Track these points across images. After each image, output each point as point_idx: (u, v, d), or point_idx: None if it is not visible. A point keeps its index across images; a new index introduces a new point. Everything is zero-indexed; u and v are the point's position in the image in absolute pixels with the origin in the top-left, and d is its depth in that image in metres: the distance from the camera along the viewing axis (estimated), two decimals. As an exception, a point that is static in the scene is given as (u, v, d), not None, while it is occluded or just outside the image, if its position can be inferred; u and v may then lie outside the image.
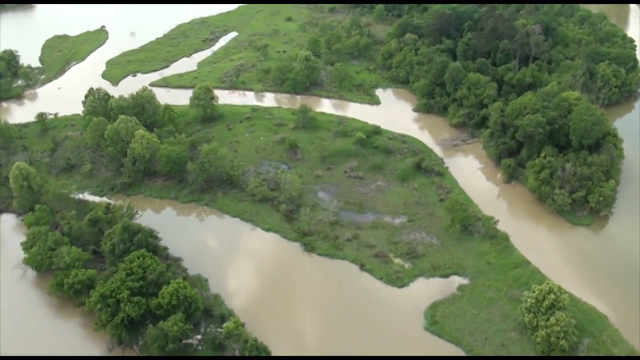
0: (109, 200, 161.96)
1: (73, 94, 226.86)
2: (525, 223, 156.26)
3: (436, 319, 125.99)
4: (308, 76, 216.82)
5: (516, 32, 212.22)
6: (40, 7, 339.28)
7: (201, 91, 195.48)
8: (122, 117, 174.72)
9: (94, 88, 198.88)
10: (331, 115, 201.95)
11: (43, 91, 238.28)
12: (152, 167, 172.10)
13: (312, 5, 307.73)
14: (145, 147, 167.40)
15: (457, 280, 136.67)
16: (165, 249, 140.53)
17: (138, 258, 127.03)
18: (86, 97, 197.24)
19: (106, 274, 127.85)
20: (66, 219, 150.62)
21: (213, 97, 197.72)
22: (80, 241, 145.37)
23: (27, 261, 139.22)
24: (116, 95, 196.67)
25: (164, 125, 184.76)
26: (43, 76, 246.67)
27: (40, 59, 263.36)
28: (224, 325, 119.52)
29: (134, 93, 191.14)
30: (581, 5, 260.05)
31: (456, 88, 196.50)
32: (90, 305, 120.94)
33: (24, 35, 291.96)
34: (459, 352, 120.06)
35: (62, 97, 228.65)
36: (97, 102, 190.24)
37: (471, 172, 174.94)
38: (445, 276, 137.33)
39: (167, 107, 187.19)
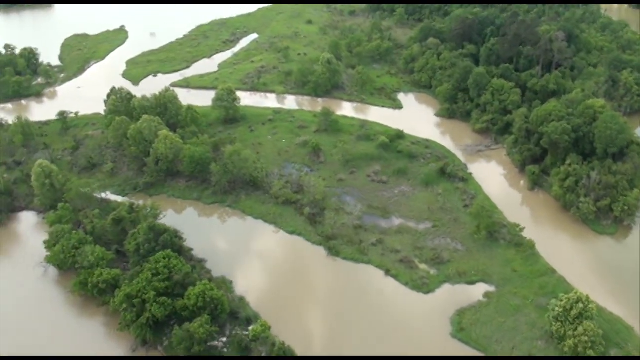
0: (131, 200, 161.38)
1: (93, 93, 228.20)
2: (550, 231, 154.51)
3: (463, 326, 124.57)
4: (330, 79, 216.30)
5: (539, 39, 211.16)
6: (58, 7, 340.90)
7: (224, 92, 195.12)
8: (145, 117, 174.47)
9: (116, 87, 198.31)
10: (353, 118, 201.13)
11: (63, 90, 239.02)
12: (175, 168, 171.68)
13: (332, 9, 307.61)
14: (169, 148, 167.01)
15: (483, 288, 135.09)
16: (190, 250, 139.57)
17: (164, 258, 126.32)
18: (108, 96, 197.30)
19: (131, 273, 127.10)
20: (89, 217, 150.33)
21: (235, 99, 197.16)
22: (102, 240, 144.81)
23: (49, 259, 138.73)
24: (137, 95, 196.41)
25: (187, 125, 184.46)
26: (63, 75, 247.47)
27: (60, 58, 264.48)
28: (251, 328, 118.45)
29: (157, 93, 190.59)
30: (602, 12, 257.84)
31: (480, 93, 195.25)
32: (115, 305, 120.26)
33: (43, 34, 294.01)
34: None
35: (82, 96, 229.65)
36: (119, 101, 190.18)
37: (495, 179, 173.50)
38: (471, 283, 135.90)
39: (190, 108, 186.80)
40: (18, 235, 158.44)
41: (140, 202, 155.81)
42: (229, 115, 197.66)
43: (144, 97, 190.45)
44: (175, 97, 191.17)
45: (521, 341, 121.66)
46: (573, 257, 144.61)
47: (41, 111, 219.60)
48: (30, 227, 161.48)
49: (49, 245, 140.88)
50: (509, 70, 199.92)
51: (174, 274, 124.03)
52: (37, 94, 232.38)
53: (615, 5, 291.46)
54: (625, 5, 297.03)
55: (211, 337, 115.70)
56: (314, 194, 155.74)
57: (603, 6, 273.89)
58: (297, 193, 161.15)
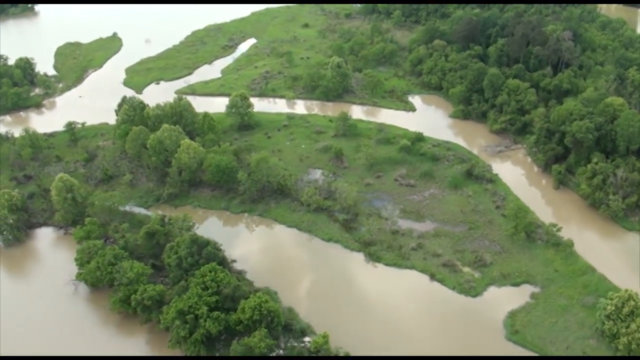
0: (156, 212, 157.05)
1: (95, 102, 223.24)
2: (581, 229, 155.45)
3: (516, 328, 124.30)
4: (340, 83, 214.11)
5: (546, 38, 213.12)
6: (43, 14, 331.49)
7: (238, 99, 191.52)
8: (165, 126, 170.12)
9: (127, 96, 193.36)
10: (370, 122, 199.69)
11: (63, 100, 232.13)
12: (198, 177, 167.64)
13: (326, 12, 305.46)
14: (192, 157, 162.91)
15: (528, 289, 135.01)
16: (233, 261, 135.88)
17: (210, 272, 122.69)
18: (119, 105, 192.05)
19: (177, 289, 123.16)
20: (120, 232, 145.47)
21: (250, 105, 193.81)
22: (134, 255, 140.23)
23: (84, 277, 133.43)
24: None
25: (203, 133, 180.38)
26: (61, 84, 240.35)
27: (55, 67, 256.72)
28: (309, 339, 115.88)
29: (172, 101, 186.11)
30: (600, 11, 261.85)
31: (495, 94, 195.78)
32: (167, 321, 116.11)
33: (31, 43, 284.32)
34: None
35: (84, 105, 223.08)
36: (131, 110, 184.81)
37: (519, 179, 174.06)
38: (516, 285, 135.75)
39: (207, 115, 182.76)
40: (39, 253, 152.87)
41: (167, 214, 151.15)
42: (244, 122, 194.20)
43: (158, 106, 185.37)
44: (190, 105, 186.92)
45: (574, 341, 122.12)
46: (608, 254, 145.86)
47: (42, 122, 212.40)
48: (50, 243, 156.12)
49: (81, 262, 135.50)
50: (522, 70, 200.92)
51: (223, 288, 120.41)
52: (37, 105, 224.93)
53: (613, 5, 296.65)
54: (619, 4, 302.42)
55: (270, 351, 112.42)
56: (346, 200, 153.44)
57: (598, 5, 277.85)
58: (327, 199, 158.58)
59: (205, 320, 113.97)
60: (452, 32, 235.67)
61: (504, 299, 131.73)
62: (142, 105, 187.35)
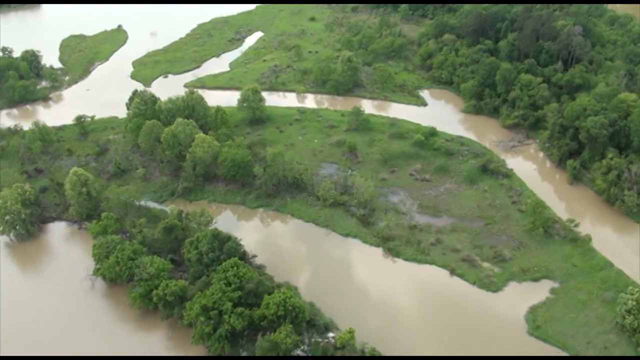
0: (170, 207, 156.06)
1: (103, 95, 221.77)
2: (597, 225, 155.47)
3: (538, 323, 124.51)
4: (351, 77, 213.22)
5: (556, 33, 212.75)
6: (46, 6, 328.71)
7: (250, 93, 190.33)
8: (179, 120, 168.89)
9: (138, 90, 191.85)
10: (382, 116, 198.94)
11: (70, 93, 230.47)
12: (212, 172, 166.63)
13: (333, 5, 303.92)
14: (206, 151, 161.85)
15: (547, 284, 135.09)
16: (254, 256, 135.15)
17: (232, 267, 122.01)
18: (131, 99, 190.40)
19: (199, 284, 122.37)
20: (137, 227, 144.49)
21: (261, 99, 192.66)
22: (151, 250, 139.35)
23: (103, 272, 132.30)
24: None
25: (216, 127, 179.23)
26: (68, 77, 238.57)
27: (61, 59, 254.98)
28: (332, 335, 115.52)
29: (183, 94, 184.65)
30: (607, 6, 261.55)
31: (507, 89, 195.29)
32: (191, 317, 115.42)
33: (34, 35, 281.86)
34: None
35: (92, 98, 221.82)
36: (143, 104, 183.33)
37: (533, 174, 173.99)
38: (536, 280, 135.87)
39: (219, 109, 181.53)
40: (54, 248, 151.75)
41: (183, 209, 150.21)
42: (255, 116, 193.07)
43: (170, 99, 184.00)
44: (202, 99, 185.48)
45: (594, 336, 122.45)
46: (624, 249, 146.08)
47: (50, 116, 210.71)
48: (64, 238, 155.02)
49: (99, 257, 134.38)
50: (534, 65, 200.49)
51: (245, 283, 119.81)
52: (44, 98, 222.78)
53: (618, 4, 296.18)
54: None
55: (295, 346, 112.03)
56: (363, 195, 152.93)
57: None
58: (343, 194, 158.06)
59: (229, 316, 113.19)
60: (461, 26, 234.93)
61: (525, 294, 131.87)
62: (154, 99, 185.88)
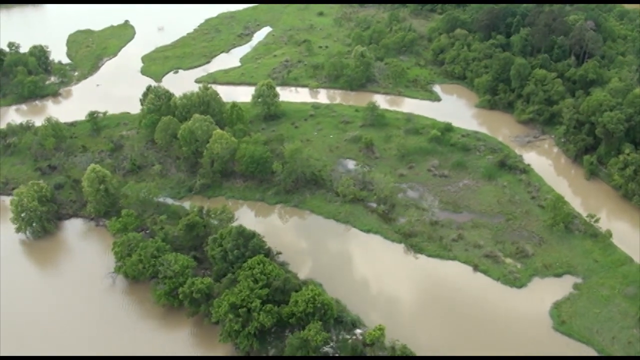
0: (182, 203, 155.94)
1: (114, 91, 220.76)
2: (615, 220, 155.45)
3: (563, 318, 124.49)
4: (364, 72, 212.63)
5: (568, 28, 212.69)
6: (49, 4, 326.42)
7: (265, 88, 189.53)
8: (196, 116, 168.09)
9: (152, 86, 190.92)
10: (397, 112, 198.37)
11: (79, 88, 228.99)
12: (230, 168, 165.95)
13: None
14: (224, 147, 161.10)
15: (570, 279, 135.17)
16: (279, 253, 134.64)
17: (258, 264, 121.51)
18: (144, 95, 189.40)
19: (225, 282, 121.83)
20: (158, 224, 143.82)
21: (276, 95, 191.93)
22: (172, 247, 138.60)
23: (125, 270, 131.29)
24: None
25: (232, 123, 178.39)
26: (77, 73, 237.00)
27: (68, 55, 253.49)
28: (360, 331, 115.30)
29: (197, 90, 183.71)
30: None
31: (522, 84, 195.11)
32: (219, 315, 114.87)
33: (39, 31, 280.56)
34: (590, 352, 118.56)
35: (103, 94, 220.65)
36: (158, 100, 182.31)
37: (550, 169, 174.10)
38: (559, 275, 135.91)
39: (235, 105, 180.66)
40: (71, 245, 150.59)
41: (202, 205, 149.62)
42: (270, 111, 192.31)
43: (185, 95, 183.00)
44: (217, 94, 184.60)
45: (618, 331, 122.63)
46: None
47: (61, 112, 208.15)
48: (82, 235, 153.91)
49: (121, 255, 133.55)
50: (548, 60, 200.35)
51: (272, 280, 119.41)
52: (54, 94, 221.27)
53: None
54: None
55: (325, 344, 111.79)
56: (383, 191, 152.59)
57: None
58: (362, 190, 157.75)
59: (258, 314, 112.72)
60: (472, 21, 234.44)
61: (548, 290, 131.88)
62: (169, 95, 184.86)
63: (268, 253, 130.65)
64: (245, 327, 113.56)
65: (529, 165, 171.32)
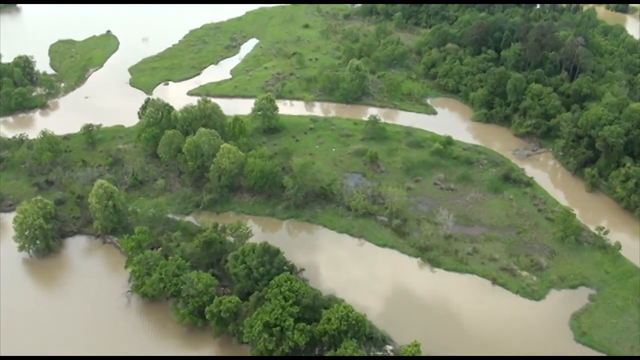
0: (190, 219, 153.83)
1: (103, 103, 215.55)
2: (619, 231, 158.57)
3: (583, 330, 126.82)
4: (359, 85, 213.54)
5: (558, 43, 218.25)
6: (26, 10, 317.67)
7: (265, 101, 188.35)
8: (202, 130, 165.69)
9: (151, 98, 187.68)
10: (396, 125, 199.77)
11: (67, 100, 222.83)
12: (237, 182, 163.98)
13: (324, 12, 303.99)
14: (232, 162, 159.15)
15: (585, 291, 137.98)
16: (302, 269, 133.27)
17: (286, 282, 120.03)
18: (143, 107, 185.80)
19: (253, 300, 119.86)
20: (173, 241, 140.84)
21: (276, 108, 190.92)
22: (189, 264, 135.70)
23: (146, 289, 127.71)
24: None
25: (235, 137, 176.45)
26: (63, 84, 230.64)
27: (52, 65, 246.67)
28: (403, 348, 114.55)
29: (199, 104, 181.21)
30: (601, 16, 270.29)
31: (518, 98, 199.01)
32: (252, 334, 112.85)
33: (18, 40, 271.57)
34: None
35: (92, 106, 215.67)
36: (158, 113, 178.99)
37: (551, 182, 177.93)
38: (574, 287, 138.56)
39: (237, 119, 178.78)
40: (78, 263, 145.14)
41: (216, 222, 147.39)
42: (270, 124, 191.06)
43: (186, 108, 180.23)
44: (218, 107, 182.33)
45: (635, 340, 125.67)
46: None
47: (49, 124, 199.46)
48: (87, 253, 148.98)
49: (139, 273, 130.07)
50: (542, 75, 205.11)
51: (301, 298, 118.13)
52: (42, 106, 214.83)
53: (601, 10, 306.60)
54: (603, 7, 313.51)
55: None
56: (395, 205, 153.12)
57: (584, 7, 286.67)
58: (373, 204, 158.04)
59: (292, 332, 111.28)
60: (462, 36, 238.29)
61: (565, 302, 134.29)
62: (168, 108, 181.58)
63: (291, 269, 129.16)
64: (278, 346, 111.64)
65: (531, 178, 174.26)
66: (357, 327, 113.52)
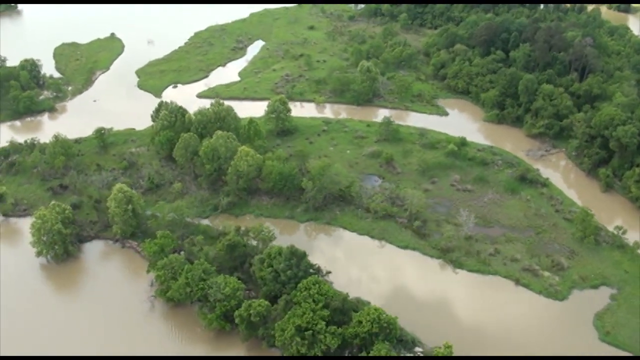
0: (209, 222, 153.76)
1: (112, 106, 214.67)
2: (636, 231, 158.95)
3: (607, 329, 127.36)
4: (370, 87, 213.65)
5: (567, 44, 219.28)
6: (27, 13, 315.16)
7: (278, 103, 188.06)
8: (219, 132, 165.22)
9: (164, 101, 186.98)
10: (409, 127, 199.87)
11: (75, 103, 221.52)
12: (254, 185, 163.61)
13: (328, 14, 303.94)
14: (250, 165, 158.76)
15: (606, 291, 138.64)
16: (328, 272, 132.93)
17: (314, 285, 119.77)
18: (157, 111, 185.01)
19: (282, 304, 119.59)
20: (196, 245, 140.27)
21: (289, 110, 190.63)
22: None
23: (172, 294, 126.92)
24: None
25: (250, 139, 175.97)
26: (70, 87, 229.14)
27: (58, 68, 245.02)
28: (435, 350, 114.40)
29: (213, 106, 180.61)
30: (603, 16, 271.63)
31: (530, 99, 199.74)
32: (285, 338, 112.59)
33: (20, 43, 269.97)
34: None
35: (100, 109, 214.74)
36: (172, 116, 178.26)
37: (565, 182, 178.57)
38: (595, 287, 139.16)
39: (252, 121, 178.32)
40: (97, 268, 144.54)
41: (238, 225, 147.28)
42: (284, 127, 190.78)
43: (200, 111, 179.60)
44: (232, 110, 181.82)
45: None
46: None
47: (58, 128, 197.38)
48: (107, 257, 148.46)
49: (164, 278, 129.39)
50: (553, 76, 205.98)
51: (330, 301, 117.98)
52: (50, 109, 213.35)
53: (603, 10, 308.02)
54: (604, 7, 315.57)
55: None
56: (415, 206, 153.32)
57: (589, 7, 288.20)
58: (392, 206, 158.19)
59: (324, 336, 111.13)
60: (470, 37, 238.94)
61: (588, 302, 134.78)
62: (182, 111, 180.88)
63: (317, 272, 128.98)
64: (310, 349, 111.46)
65: (547, 178, 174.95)
66: (388, 329, 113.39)
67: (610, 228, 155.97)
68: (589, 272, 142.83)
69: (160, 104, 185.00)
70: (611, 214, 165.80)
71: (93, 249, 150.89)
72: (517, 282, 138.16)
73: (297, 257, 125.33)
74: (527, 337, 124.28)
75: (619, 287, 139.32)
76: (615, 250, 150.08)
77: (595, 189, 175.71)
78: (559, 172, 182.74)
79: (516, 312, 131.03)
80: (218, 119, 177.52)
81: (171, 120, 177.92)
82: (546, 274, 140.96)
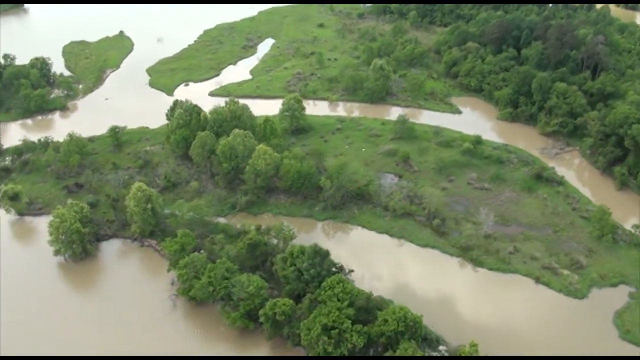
0: (227, 221, 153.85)
1: (124, 104, 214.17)
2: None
3: (627, 327, 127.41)
4: (383, 85, 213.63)
5: (579, 42, 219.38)
6: (34, 12, 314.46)
7: (293, 101, 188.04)
8: (236, 131, 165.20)
9: (179, 100, 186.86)
10: (423, 125, 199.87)
11: (86, 102, 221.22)
12: (272, 184, 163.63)
13: (337, 12, 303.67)
14: (268, 163, 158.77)
15: (624, 289, 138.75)
16: (351, 271, 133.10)
17: (338, 283, 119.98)
18: (171, 109, 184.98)
19: (307, 303, 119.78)
20: (217, 243, 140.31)
21: (304, 108, 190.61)
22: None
23: (195, 292, 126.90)
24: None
25: (266, 138, 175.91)
26: (81, 86, 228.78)
27: (68, 67, 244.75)
28: (460, 349, 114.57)
29: (229, 104, 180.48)
30: (612, 14, 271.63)
31: (544, 97, 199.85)
32: (311, 337, 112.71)
33: (28, 41, 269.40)
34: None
35: (112, 108, 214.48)
36: (187, 115, 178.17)
37: (581, 180, 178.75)
38: (614, 285, 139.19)
39: (268, 120, 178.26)
40: (116, 267, 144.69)
41: (259, 224, 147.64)
42: (299, 125, 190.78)
43: (215, 110, 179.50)
44: (248, 108, 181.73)
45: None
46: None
47: (69, 126, 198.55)
48: (125, 256, 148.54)
49: (187, 277, 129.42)
50: (566, 74, 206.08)
51: (355, 299, 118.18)
52: (62, 108, 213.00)
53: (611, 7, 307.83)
54: (612, 5, 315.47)
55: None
56: (434, 205, 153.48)
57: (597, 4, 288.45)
58: (411, 204, 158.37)
59: (350, 335, 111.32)
60: (481, 34, 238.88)
61: (607, 300, 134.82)
62: (198, 110, 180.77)
63: (340, 271, 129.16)
64: (337, 348, 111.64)
65: (562, 177, 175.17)
66: (414, 328, 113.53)
67: (627, 226, 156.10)
68: (608, 271, 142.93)
69: (175, 103, 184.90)
70: (627, 212, 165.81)
71: (111, 248, 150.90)
72: (537, 280, 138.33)
73: (320, 256, 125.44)
74: (549, 335, 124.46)
75: (638, 286, 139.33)
76: (633, 249, 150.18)
77: (610, 187, 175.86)
78: (574, 171, 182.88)
79: (537, 310, 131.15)
80: (234, 118, 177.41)
81: (186, 118, 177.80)
82: (565, 272, 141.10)
